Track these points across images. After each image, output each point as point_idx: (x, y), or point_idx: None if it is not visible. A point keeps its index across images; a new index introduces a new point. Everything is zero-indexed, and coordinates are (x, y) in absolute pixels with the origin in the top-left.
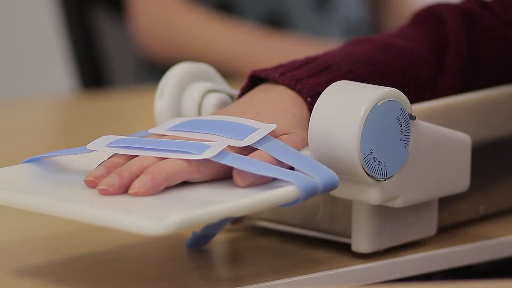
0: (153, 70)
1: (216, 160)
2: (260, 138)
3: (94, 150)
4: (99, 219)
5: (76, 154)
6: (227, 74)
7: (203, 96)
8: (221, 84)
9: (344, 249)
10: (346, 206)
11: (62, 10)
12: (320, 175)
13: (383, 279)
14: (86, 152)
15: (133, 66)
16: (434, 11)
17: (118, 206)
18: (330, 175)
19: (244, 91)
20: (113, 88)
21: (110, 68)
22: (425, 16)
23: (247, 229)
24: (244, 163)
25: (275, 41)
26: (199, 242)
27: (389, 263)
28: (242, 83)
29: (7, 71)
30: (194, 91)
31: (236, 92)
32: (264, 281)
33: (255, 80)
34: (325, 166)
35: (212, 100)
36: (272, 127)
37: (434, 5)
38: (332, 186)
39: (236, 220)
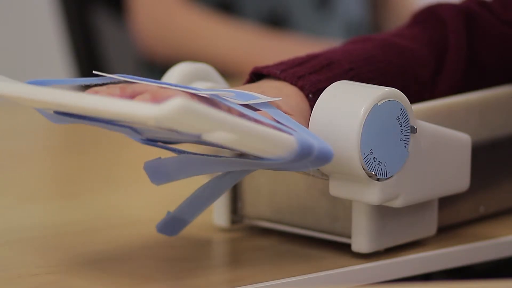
0: (153, 70)
1: (219, 100)
2: (264, 101)
3: (101, 75)
4: (102, 104)
5: (84, 83)
6: (227, 74)
7: None
8: (221, 84)
9: (344, 249)
10: (346, 206)
11: (62, 10)
12: (318, 141)
13: (383, 279)
14: (93, 82)
15: (133, 66)
16: (434, 11)
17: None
18: (327, 145)
19: None
20: None
21: (110, 68)
22: (425, 16)
23: (247, 229)
24: (243, 109)
25: (276, 40)
26: (171, 227)
27: (389, 263)
28: (242, 83)
29: (7, 71)
30: None
31: None
32: (264, 281)
33: (256, 77)
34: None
35: None
36: (277, 99)
37: (434, 5)
38: (327, 154)
39: (236, 220)
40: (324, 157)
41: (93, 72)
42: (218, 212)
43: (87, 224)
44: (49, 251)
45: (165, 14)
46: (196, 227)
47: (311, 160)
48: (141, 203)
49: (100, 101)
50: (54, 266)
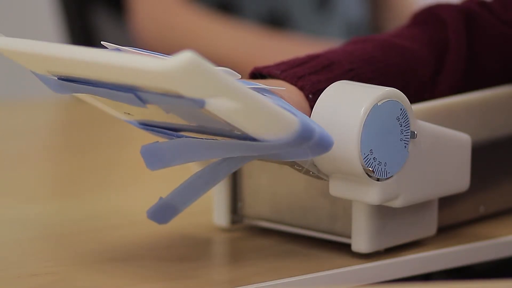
0: None
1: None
2: (268, 88)
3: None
4: (111, 59)
5: None
6: None
7: None
8: None
9: (344, 249)
10: (346, 206)
11: (62, 10)
12: (319, 127)
13: (383, 279)
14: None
15: None
16: (434, 12)
17: None
18: (327, 133)
19: None
20: None
21: None
22: (425, 16)
23: (247, 229)
24: (250, 85)
25: (276, 40)
26: (162, 214)
27: (389, 263)
28: None
29: (7, 71)
30: None
31: None
32: (264, 281)
33: (257, 77)
34: None
35: None
36: (280, 89)
37: (434, 6)
38: (327, 141)
39: (236, 220)
40: (325, 143)
41: (102, 43)
42: (218, 212)
43: (87, 224)
44: (49, 251)
45: (165, 14)
46: (196, 227)
47: (311, 145)
48: (141, 203)
49: (109, 55)
50: (54, 266)
